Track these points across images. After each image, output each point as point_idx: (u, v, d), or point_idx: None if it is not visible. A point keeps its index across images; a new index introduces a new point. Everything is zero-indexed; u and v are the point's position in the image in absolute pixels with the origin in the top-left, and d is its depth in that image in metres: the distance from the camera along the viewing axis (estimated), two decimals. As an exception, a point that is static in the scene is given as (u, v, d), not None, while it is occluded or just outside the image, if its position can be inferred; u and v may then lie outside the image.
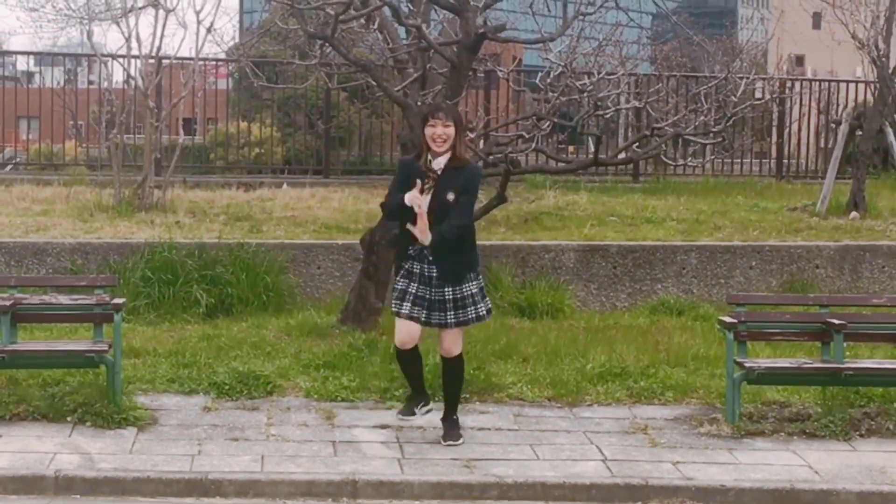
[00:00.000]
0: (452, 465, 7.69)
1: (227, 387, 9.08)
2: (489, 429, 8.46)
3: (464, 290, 8.00)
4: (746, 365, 8.66)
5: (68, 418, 8.29)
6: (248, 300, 11.55)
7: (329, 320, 11.00)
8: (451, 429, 8.19)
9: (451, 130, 7.93)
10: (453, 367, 8.20)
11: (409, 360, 8.17)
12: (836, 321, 8.82)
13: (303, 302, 11.92)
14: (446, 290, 7.97)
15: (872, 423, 8.69)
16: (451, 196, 7.91)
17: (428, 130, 7.97)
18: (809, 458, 8.07)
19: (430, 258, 7.93)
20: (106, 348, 8.50)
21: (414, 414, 8.27)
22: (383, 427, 8.40)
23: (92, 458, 7.63)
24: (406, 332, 7.99)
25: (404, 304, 7.96)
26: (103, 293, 8.84)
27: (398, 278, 8.10)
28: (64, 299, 8.94)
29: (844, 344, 8.90)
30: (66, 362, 8.80)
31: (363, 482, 7.39)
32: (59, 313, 9.10)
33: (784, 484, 7.55)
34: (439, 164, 7.96)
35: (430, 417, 8.56)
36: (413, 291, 7.96)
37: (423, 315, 7.97)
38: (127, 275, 11.36)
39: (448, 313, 7.98)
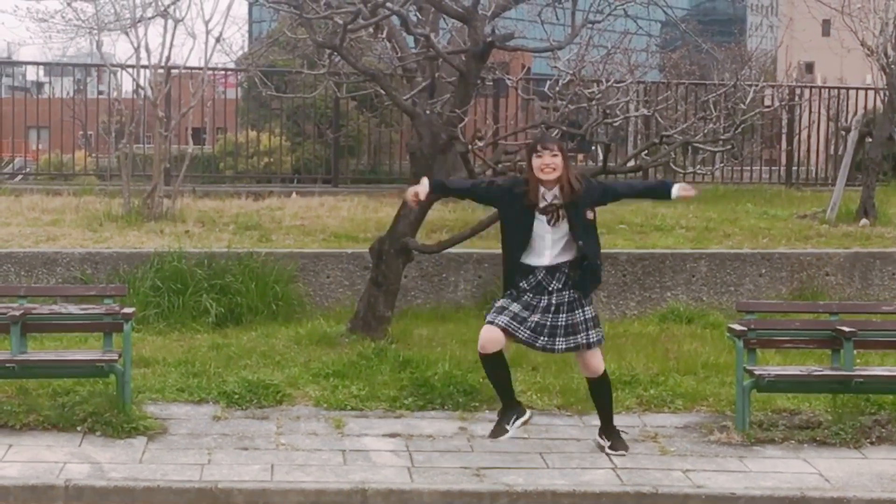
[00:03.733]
0: (462, 474, 7.68)
1: (236, 396, 9.08)
2: (499, 438, 8.44)
3: (585, 312, 8.04)
4: (756, 373, 8.65)
5: (78, 428, 8.30)
6: (257, 309, 11.56)
7: (338, 329, 11.00)
8: (617, 439, 8.25)
9: (559, 160, 7.93)
10: (599, 386, 8.27)
11: (493, 364, 8.13)
12: (846, 329, 8.81)
13: (312, 311, 11.92)
14: (561, 316, 7.98)
15: (883, 430, 8.67)
16: (590, 214, 8.02)
17: (535, 162, 7.95)
18: (820, 465, 8.05)
19: (551, 288, 7.96)
20: (116, 358, 8.51)
21: (506, 432, 8.20)
22: (393, 435, 8.40)
23: (102, 468, 7.63)
24: (488, 336, 7.99)
25: (500, 316, 7.96)
26: (113, 303, 8.85)
27: (505, 298, 8.08)
28: (74, 309, 8.95)
29: (854, 351, 8.88)
30: (76, 372, 8.81)
31: (373, 491, 7.39)
32: (68, 323, 9.10)
33: (794, 492, 7.53)
34: (553, 195, 7.96)
35: (440, 426, 8.57)
36: (516, 311, 7.98)
37: (525, 335, 7.98)
38: (136, 284, 11.37)
39: (581, 335, 8.00)
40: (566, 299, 7.99)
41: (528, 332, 7.97)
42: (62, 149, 20.08)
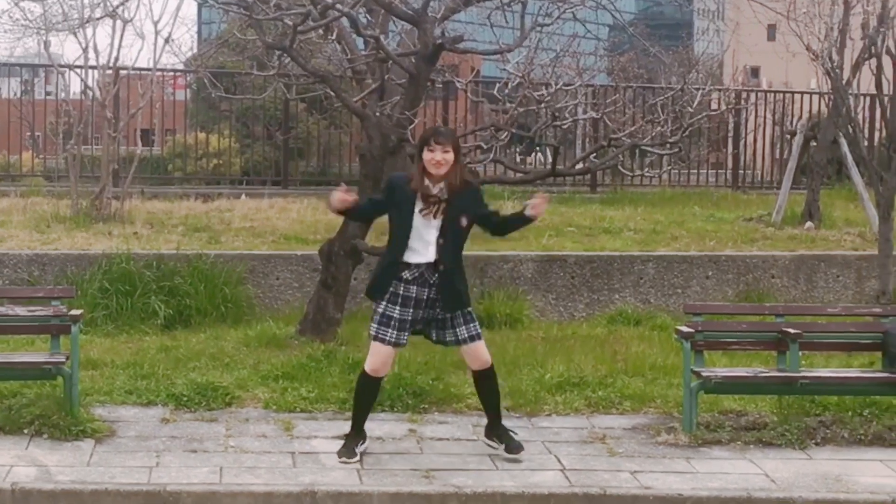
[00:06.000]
0: (411, 476, 7.70)
1: (185, 398, 9.04)
2: (448, 439, 8.47)
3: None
4: (703, 374, 8.72)
5: (25, 431, 8.23)
6: (206, 311, 11.52)
7: (288, 331, 10.98)
8: (510, 439, 8.14)
9: (451, 156, 7.80)
10: (487, 379, 8.19)
11: (375, 389, 8.14)
12: (791, 330, 8.90)
13: (261, 313, 11.89)
14: (448, 313, 7.97)
15: (828, 431, 8.76)
16: (464, 221, 7.90)
17: (426, 155, 7.80)
18: (766, 466, 8.13)
19: (433, 281, 7.85)
20: (63, 360, 8.46)
21: (356, 455, 8.01)
22: (342, 438, 8.38)
23: (49, 471, 7.58)
24: (384, 358, 7.96)
25: (391, 330, 7.87)
26: (60, 304, 8.79)
27: (386, 304, 7.88)
28: (21, 311, 8.87)
29: (800, 353, 8.97)
30: (23, 374, 8.74)
31: (322, 493, 7.39)
32: (15, 325, 8.99)
33: (741, 492, 7.60)
34: (439, 188, 7.83)
35: (390, 428, 8.59)
36: (408, 318, 7.87)
37: (433, 334, 8.02)
38: (84, 286, 11.30)
39: (471, 325, 8.00)
40: (427, 296, 7.89)
41: (436, 332, 8.03)
42: (9, 150, 19.85)
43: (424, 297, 7.89)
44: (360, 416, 8.17)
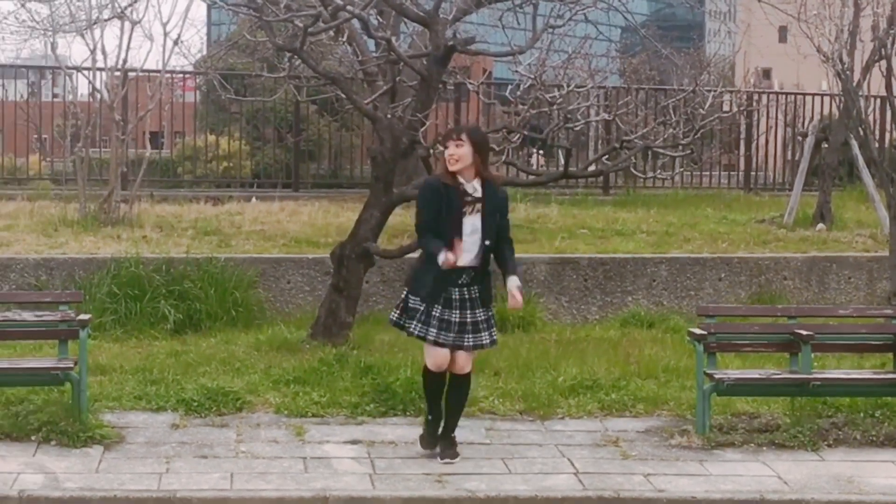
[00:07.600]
0: (424, 480, 7.65)
1: (195, 403, 9.00)
2: (461, 443, 8.39)
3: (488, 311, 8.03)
4: (716, 376, 8.68)
5: (32, 437, 8.18)
6: (216, 315, 11.48)
7: (299, 335, 10.94)
8: (450, 447, 8.13)
9: (464, 150, 7.78)
10: (462, 385, 8.16)
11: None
12: (803, 332, 8.86)
13: (272, 317, 11.86)
14: (478, 311, 7.92)
15: (840, 433, 8.73)
16: (498, 218, 7.94)
17: (445, 152, 7.89)
18: (779, 468, 8.09)
19: (466, 283, 7.86)
20: (71, 365, 8.41)
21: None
22: (354, 442, 8.35)
23: (57, 478, 7.53)
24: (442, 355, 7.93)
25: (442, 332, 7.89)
26: (68, 309, 8.74)
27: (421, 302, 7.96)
28: (28, 316, 8.82)
29: (812, 354, 8.94)
30: (31, 380, 8.68)
31: (334, 498, 7.34)
32: (23, 330, 8.94)
33: (754, 495, 7.56)
34: (473, 187, 7.85)
35: (402, 432, 8.54)
36: (439, 316, 7.89)
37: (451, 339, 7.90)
38: (93, 290, 11.26)
39: (482, 334, 7.94)
40: (468, 296, 7.89)
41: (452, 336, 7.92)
42: (16, 153, 19.82)
43: (455, 298, 7.89)
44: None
